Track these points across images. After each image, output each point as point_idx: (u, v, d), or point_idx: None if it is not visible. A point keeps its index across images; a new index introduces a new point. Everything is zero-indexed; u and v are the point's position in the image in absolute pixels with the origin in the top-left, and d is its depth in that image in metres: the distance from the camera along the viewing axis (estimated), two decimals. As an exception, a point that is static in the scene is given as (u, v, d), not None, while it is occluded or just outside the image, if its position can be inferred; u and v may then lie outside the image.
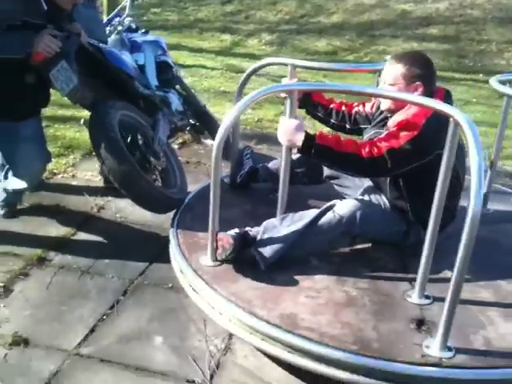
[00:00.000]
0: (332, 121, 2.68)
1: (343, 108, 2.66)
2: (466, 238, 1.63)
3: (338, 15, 11.56)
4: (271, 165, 2.80)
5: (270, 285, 2.11)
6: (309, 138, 2.07)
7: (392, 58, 2.25)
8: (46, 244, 2.76)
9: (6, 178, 2.95)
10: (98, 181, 3.51)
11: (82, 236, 2.90)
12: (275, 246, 2.16)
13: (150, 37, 3.41)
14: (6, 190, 2.96)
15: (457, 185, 2.18)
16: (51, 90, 2.86)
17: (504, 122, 2.70)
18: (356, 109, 2.64)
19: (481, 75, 8.68)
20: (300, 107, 2.66)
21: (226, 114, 1.95)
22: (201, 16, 12.16)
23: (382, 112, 2.41)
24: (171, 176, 2.95)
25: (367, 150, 2.09)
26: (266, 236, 2.20)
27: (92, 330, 2.20)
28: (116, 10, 3.54)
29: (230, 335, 2.20)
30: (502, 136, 2.76)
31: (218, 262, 2.21)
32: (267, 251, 2.16)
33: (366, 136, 2.45)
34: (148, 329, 2.23)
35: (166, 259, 2.47)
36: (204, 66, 7.93)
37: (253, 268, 2.17)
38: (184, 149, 4.11)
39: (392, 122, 2.22)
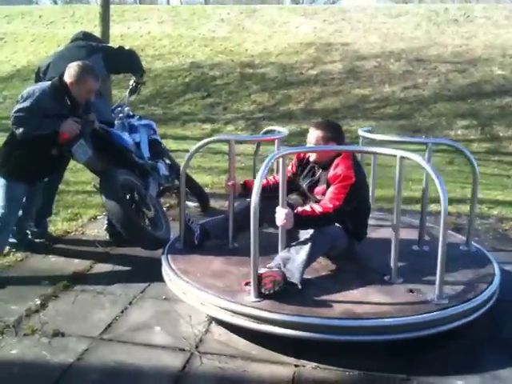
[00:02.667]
0: (265, 195, 3.50)
1: (271, 182, 3.57)
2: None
3: (306, 102, 12.98)
4: (220, 222, 3.70)
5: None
6: (297, 217, 3.03)
7: (312, 126, 3.32)
8: (68, 277, 3.63)
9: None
10: (103, 236, 4.41)
11: (96, 270, 3.79)
12: (298, 269, 2.98)
13: (144, 121, 4.50)
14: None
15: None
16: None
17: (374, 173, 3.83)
18: None
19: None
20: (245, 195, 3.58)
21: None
22: (184, 109, 13.51)
23: (304, 166, 3.42)
24: (158, 222, 3.93)
25: (331, 206, 3.10)
26: (288, 266, 3.00)
27: (109, 325, 3.04)
28: (118, 102, 4.63)
29: (209, 323, 3.05)
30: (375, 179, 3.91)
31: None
32: (295, 276, 2.95)
33: (304, 184, 3.43)
34: (149, 322, 3.07)
35: (160, 281, 3.38)
36: (187, 150, 8.98)
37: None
38: (171, 210, 5.08)
39: (332, 177, 3.22)
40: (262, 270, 2.91)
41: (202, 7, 22.44)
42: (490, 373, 2.63)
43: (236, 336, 2.92)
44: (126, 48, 4.60)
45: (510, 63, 13.51)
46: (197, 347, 2.82)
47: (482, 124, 11.40)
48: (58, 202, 4.94)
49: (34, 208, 4.02)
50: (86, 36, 4.55)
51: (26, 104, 3.43)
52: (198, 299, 2.98)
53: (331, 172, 3.25)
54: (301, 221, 3.05)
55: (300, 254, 3.02)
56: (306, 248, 3.03)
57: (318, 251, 3.10)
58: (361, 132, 3.57)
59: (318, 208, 3.09)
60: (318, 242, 3.08)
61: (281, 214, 3.01)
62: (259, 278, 2.83)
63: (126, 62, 4.54)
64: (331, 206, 3.10)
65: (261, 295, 2.82)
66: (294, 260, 3.00)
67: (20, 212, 3.87)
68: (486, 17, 16.35)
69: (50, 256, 3.99)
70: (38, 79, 4.33)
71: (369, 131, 4.11)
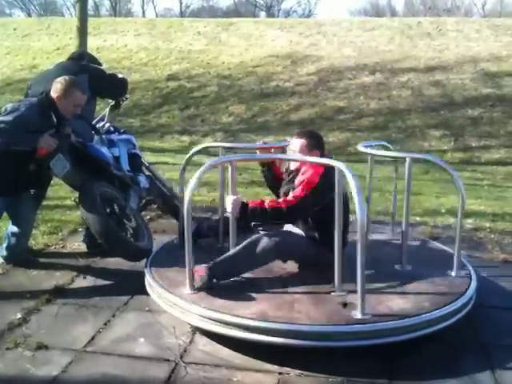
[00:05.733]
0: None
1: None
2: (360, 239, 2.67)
3: (282, 114, 13.11)
4: (211, 223, 3.93)
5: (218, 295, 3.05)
6: (243, 206, 3.12)
7: (296, 135, 3.39)
8: (50, 290, 3.62)
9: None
10: (83, 249, 4.40)
11: (78, 283, 3.79)
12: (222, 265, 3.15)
13: (124, 136, 4.50)
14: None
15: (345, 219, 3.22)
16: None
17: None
18: None
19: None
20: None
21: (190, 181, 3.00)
22: (161, 122, 13.53)
23: (290, 173, 3.50)
24: (140, 233, 3.95)
25: (283, 203, 3.14)
26: (217, 260, 3.16)
27: (93, 338, 3.04)
28: (99, 116, 4.62)
29: (193, 333, 3.08)
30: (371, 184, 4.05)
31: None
32: (219, 271, 3.14)
33: (282, 191, 3.51)
34: (133, 334, 3.08)
35: (142, 293, 3.40)
36: (166, 163, 9.05)
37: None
38: (152, 222, 5.11)
39: (297, 182, 3.29)
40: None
41: (179, 20, 22.51)
42: (469, 375, 2.71)
43: (220, 346, 2.95)
44: (119, 76, 4.52)
45: (481, 75, 13.86)
46: (181, 357, 2.84)
47: (454, 135, 11.66)
48: (37, 216, 4.91)
49: (26, 222, 3.95)
50: (81, 56, 4.45)
51: (9, 118, 3.41)
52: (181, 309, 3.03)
53: (299, 177, 3.33)
54: (248, 210, 3.10)
55: (232, 251, 3.20)
56: (240, 246, 3.18)
57: (257, 252, 3.15)
58: (360, 148, 3.82)
59: (268, 202, 3.14)
60: (261, 243, 3.16)
61: (229, 201, 3.12)
62: (192, 273, 3.07)
63: (113, 89, 4.49)
64: (284, 203, 3.15)
65: (195, 289, 3.06)
66: (225, 256, 3.18)
67: (15, 228, 3.89)
68: (458, 30, 16.77)
69: (31, 269, 3.97)
70: (26, 94, 4.27)
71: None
